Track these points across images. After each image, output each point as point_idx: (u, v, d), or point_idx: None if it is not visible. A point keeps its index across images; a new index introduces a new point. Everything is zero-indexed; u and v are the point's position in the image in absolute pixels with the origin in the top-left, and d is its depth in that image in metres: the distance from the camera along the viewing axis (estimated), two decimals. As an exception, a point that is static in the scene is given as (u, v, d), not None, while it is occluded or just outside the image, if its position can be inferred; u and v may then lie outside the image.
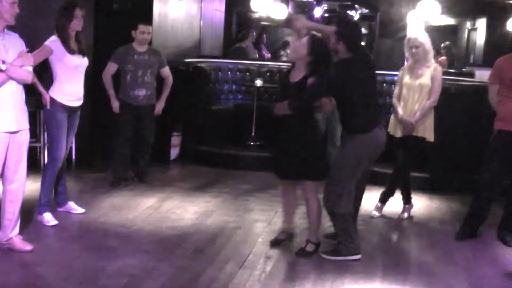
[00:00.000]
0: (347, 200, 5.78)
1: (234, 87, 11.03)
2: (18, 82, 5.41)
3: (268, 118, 9.89)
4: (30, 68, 5.52)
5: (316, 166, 5.81)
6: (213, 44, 13.34)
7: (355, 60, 5.67)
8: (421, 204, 8.15)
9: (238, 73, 11.06)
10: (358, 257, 5.85)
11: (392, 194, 7.49)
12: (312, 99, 5.70)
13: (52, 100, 6.40)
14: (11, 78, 5.31)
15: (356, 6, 19.29)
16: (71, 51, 6.39)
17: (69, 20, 6.36)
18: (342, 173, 5.73)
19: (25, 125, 5.59)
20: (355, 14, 19.71)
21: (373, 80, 5.92)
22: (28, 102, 5.60)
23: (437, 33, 14.42)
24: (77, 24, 6.41)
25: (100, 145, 9.33)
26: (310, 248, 5.95)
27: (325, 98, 5.70)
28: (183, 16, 11.22)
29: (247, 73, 11.07)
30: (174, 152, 9.98)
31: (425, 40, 7.12)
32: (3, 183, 5.64)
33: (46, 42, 6.35)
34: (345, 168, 5.73)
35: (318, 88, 5.64)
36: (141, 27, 8.08)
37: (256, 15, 17.35)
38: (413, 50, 7.09)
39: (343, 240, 5.85)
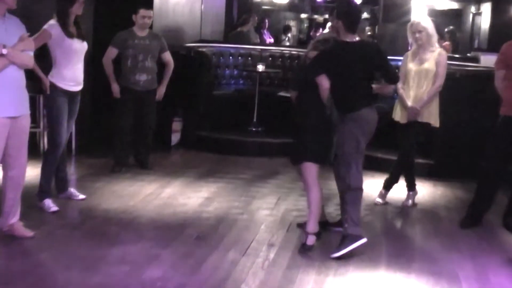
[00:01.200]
0: (357, 173, 5.74)
1: (235, 72, 10.96)
2: (19, 66, 5.34)
3: (270, 103, 9.98)
4: (31, 53, 5.46)
5: (315, 149, 5.73)
6: (214, 29, 13.26)
7: (342, 48, 5.78)
8: (426, 191, 8.10)
9: (239, 58, 11.00)
10: (364, 240, 5.69)
11: (396, 180, 7.45)
12: (307, 74, 5.80)
13: (52, 85, 6.37)
14: (12, 62, 5.24)
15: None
16: (70, 35, 6.34)
17: (71, 3, 6.31)
18: (345, 147, 5.74)
19: (26, 111, 5.54)
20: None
21: (367, 65, 5.83)
22: (27, 87, 5.54)
23: (441, 17, 14.34)
24: (78, 8, 6.37)
25: (100, 131, 9.29)
26: (310, 241, 5.75)
27: (322, 80, 5.66)
28: (184, 0, 11.11)
29: (249, 58, 11.00)
30: (175, 138, 9.95)
31: (428, 24, 7.06)
32: (3, 169, 5.60)
33: (45, 26, 6.31)
34: (345, 143, 5.73)
35: (310, 65, 5.82)
36: (142, 11, 8.03)
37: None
38: (417, 35, 7.04)
39: (348, 225, 5.72)
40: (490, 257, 5.94)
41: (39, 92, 7.04)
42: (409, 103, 7.05)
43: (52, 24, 6.31)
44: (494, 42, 12.32)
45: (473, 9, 17.00)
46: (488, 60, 9.03)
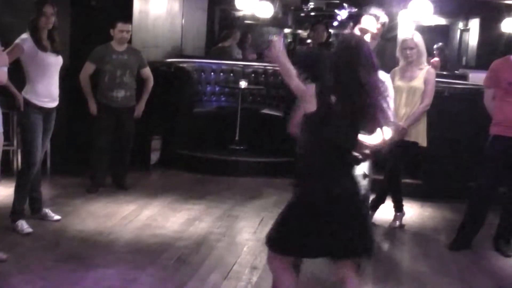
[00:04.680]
0: None
1: (217, 88, 10.85)
2: None
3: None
4: (5, 68, 5.34)
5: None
6: (195, 44, 13.27)
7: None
8: (413, 212, 8.03)
9: (221, 74, 10.89)
10: None
11: (382, 201, 7.36)
12: None
13: (26, 102, 6.24)
14: None
15: (344, 4, 19.14)
16: (44, 49, 6.21)
17: (38, 17, 6.19)
18: None
19: None
20: (343, 13, 19.57)
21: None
22: (0, 103, 5.43)
23: (428, 33, 14.24)
24: (45, 22, 6.23)
25: (76, 149, 9.14)
26: None
27: None
28: (164, 14, 11.07)
29: (231, 74, 10.89)
30: (154, 157, 9.79)
31: (420, 41, 7.02)
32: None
33: (17, 41, 6.18)
34: None
35: None
36: (120, 25, 7.92)
37: (240, 14, 17.16)
38: (408, 52, 6.97)
39: None
40: (480, 281, 5.90)
41: (13, 109, 6.86)
42: (395, 120, 6.92)
43: (24, 38, 6.17)
44: (482, 59, 12.35)
45: (460, 25, 17.02)
46: (476, 78, 9.05)
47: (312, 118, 3.77)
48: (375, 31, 4.88)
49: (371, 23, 4.84)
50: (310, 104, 3.74)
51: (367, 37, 4.76)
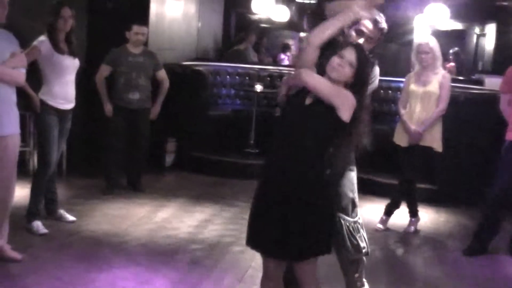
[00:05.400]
0: None
1: (232, 91, 10.80)
2: (9, 84, 5.22)
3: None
4: (23, 70, 5.35)
5: None
6: (211, 47, 13.25)
7: None
8: (428, 217, 7.97)
9: (237, 77, 10.85)
10: None
11: (397, 206, 7.32)
12: None
13: (42, 103, 6.26)
14: (2, 80, 5.12)
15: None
16: (61, 52, 6.23)
17: (56, 19, 6.21)
18: None
19: (16, 130, 5.42)
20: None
21: None
22: (17, 104, 5.41)
23: (444, 38, 14.18)
24: (63, 24, 6.25)
25: (92, 151, 9.14)
26: None
27: None
28: (180, 17, 11.06)
29: (247, 78, 10.84)
30: (169, 159, 9.79)
31: (435, 46, 6.96)
32: (-10, 189, 5.45)
33: (35, 43, 6.20)
34: None
35: None
36: (135, 28, 7.93)
37: (256, 17, 17.13)
38: (423, 56, 6.92)
39: None
40: (495, 287, 5.85)
41: (29, 110, 6.88)
42: (411, 126, 6.90)
43: (41, 41, 6.19)
44: (498, 64, 12.23)
45: (477, 30, 16.92)
46: (493, 83, 8.98)
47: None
48: (369, 33, 4.82)
49: (367, 25, 4.80)
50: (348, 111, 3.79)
51: (361, 40, 4.74)
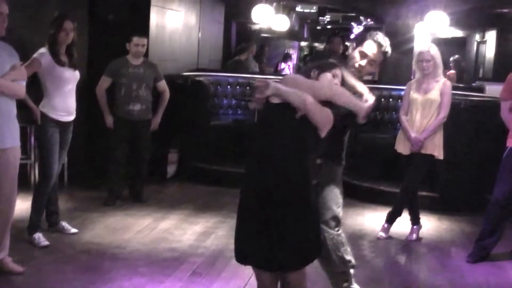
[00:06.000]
0: None
1: (233, 102, 10.83)
2: (10, 97, 5.21)
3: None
4: (23, 83, 5.35)
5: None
6: (212, 57, 13.24)
7: None
8: (430, 225, 7.93)
9: (238, 87, 10.87)
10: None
11: (399, 214, 7.29)
12: None
13: (43, 115, 6.26)
14: (2, 93, 5.11)
15: (360, 18, 19.10)
16: (61, 64, 6.23)
17: (57, 32, 6.21)
18: None
19: (16, 142, 5.40)
20: (359, 26, 19.53)
21: None
22: (17, 117, 5.41)
23: (445, 45, 14.21)
24: (64, 37, 6.25)
25: (93, 162, 9.16)
26: None
27: None
28: (181, 27, 11.07)
29: (248, 88, 10.83)
30: (171, 170, 9.80)
31: (436, 53, 6.96)
32: (-9, 202, 5.44)
33: (35, 55, 6.21)
34: None
35: None
36: (135, 39, 7.94)
37: (257, 27, 17.17)
38: (424, 64, 6.91)
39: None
40: None
41: (30, 123, 6.88)
42: (413, 134, 6.90)
43: (42, 53, 6.20)
44: (499, 71, 12.25)
45: (477, 37, 16.95)
46: (493, 90, 8.96)
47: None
48: (372, 56, 4.83)
49: (372, 48, 4.81)
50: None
51: (363, 62, 4.77)
